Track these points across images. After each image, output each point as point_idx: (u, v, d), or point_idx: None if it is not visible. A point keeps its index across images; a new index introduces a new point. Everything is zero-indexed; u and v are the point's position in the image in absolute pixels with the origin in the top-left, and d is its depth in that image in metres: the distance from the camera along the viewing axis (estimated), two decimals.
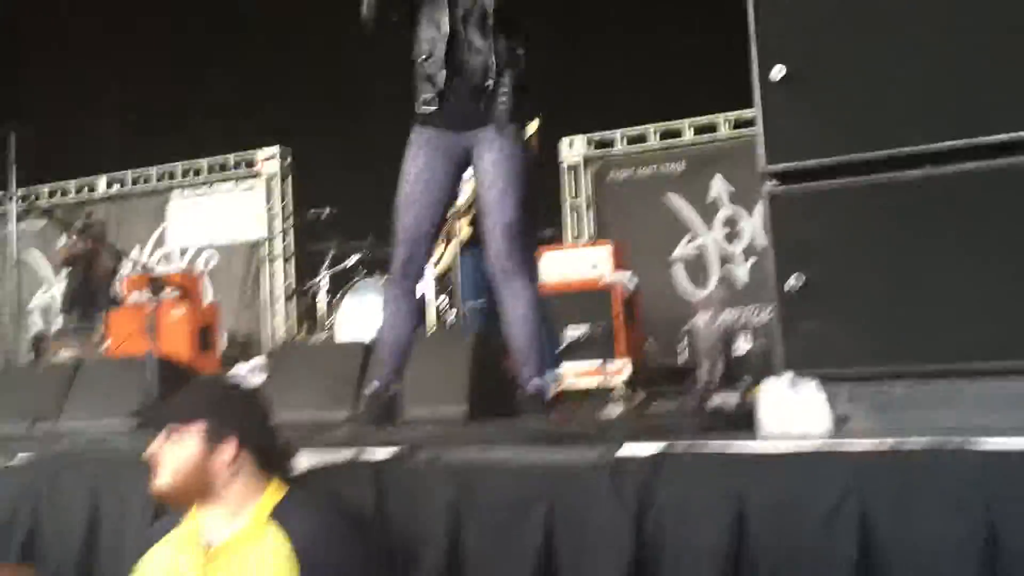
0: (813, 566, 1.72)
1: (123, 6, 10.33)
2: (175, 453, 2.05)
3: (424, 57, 3.25)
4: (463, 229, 4.77)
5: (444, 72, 3.21)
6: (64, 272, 8.79)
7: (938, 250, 2.10)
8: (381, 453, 2.30)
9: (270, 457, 2.15)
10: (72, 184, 11.08)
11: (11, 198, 6.25)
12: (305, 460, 2.30)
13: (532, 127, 4.38)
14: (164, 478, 2.06)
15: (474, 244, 4.80)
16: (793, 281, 2.21)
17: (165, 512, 2.24)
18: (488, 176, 3.24)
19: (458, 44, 3.21)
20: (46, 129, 7.30)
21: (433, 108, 3.24)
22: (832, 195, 2.22)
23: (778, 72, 2.23)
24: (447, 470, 2.15)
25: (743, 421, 2.40)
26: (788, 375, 2.22)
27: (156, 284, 4.38)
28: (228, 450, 2.06)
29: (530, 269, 3.28)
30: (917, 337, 2.11)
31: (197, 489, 2.06)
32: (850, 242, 2.21)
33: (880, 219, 2.18)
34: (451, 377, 3.52)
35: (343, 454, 2.34)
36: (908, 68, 2.14)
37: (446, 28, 3.21)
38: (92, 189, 11.05)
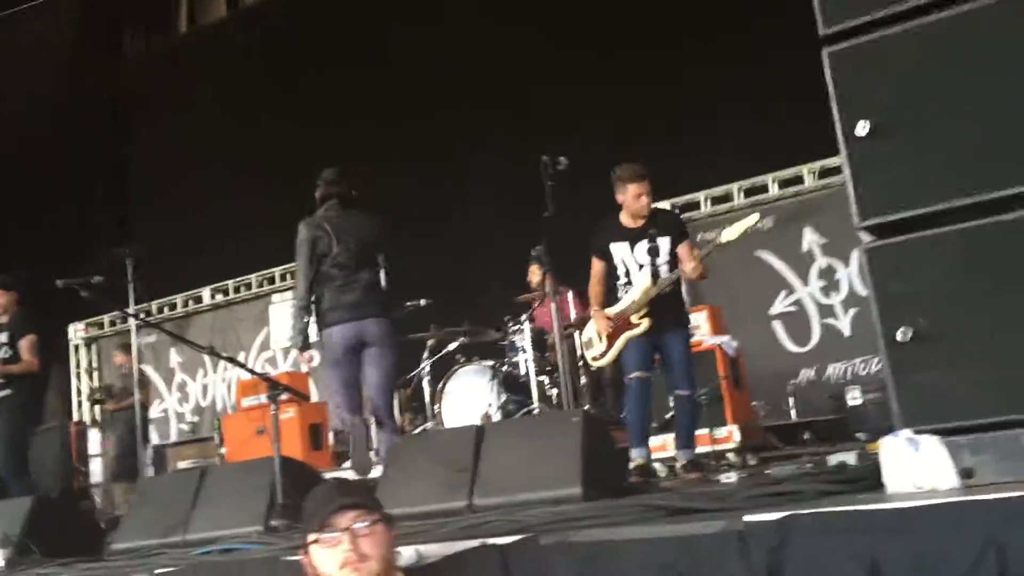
0: None
1: (217, 126, 10.89)
2: (377, 541, 2.07)
3: None
4: (643, 322, 5.10)
5: None
6: None
7: None
8: (506, 539, 2.33)
9: None
10: (179, 298, 11.54)
11: (131, 315, 6.56)
12: (434, 549, 2.36)
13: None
14: (374, 567, 2.05)
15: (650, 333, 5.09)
16: (900, 335, 2.19)
17: None
18: None
19: None
20: (155, 249, 7.72)
21: None
22: (931, 244, 2.21)
23: (863, 128, 2.25)
24: (572, 551, 2.17)
25: (866, 482, 2.37)
26: (906, 432, 2.19)
27: (272, 387, 4.43)
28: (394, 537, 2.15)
29: None
30: None
31: None
32: (956, 289, 2.19)
33: (984, 264, 2.16)
34: (563, 457, 3.51)
35: (468, 544, 2.38)
36: (997, 109, 2.13)
37: None
38: (198, 301, 11.47)
